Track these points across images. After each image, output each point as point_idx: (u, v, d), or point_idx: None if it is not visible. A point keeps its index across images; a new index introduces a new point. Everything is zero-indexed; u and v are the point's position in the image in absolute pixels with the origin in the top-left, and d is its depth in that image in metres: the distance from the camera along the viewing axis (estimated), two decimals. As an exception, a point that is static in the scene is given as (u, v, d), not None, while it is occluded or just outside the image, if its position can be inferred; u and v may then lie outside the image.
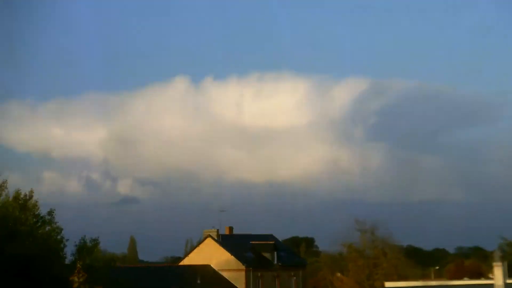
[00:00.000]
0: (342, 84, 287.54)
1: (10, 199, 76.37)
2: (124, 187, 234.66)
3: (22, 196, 78.38)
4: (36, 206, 77.97)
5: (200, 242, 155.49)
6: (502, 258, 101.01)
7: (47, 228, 78.37)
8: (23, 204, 76.69)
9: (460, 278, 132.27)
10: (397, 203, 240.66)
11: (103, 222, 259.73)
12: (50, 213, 78.51)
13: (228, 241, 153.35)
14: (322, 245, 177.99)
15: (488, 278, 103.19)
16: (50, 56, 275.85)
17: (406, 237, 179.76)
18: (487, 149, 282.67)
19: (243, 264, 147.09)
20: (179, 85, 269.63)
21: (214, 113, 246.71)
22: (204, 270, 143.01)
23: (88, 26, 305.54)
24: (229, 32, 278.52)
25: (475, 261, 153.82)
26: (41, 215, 78.20)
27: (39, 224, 77.14)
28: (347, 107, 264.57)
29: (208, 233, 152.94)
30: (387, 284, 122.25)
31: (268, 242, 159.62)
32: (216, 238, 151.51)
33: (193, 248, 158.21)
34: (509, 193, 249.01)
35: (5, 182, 76.02)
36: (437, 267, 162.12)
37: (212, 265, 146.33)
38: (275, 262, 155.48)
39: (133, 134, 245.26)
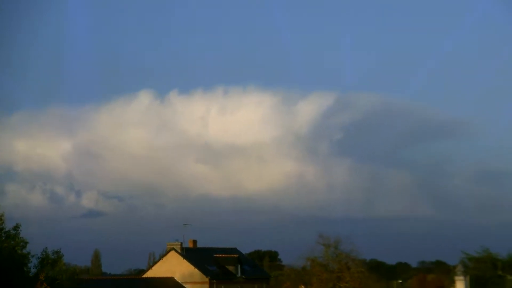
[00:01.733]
0: (308, 98, 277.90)
1: None
2: (88, 201, 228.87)
3: None
4: (1, 220, 74.35)
5: (163, 255, 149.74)
6: (464, 273, 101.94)
7: (12, 242, 74.12)
8: None
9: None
10: (361, 218, 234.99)
11: (67, 235, 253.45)
12: (16, 228, 74.84)
13: (192, 254, 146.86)
14: (286, 259, 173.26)
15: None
16: (16, 67, 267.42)
17: (370, 251, 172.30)
18: (451, 165, 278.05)
19: (206, 277, 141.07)
20: (144, 99, 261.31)
21: (179, 127, 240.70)
22: (168, 283, 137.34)
23: (52, 40, 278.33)
24: (194, 45, 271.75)
25: (437, 275, 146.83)
26: (5, 230, 74.50)
27: (3, 238, 73.83)
28: (313, 122, 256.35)
29: (172, 246, 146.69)
30: None
31: (232, 256, 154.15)
32: (179, 251, 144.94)
33: (156, 261, 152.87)
34: (470, 208, 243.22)
35: None
36: (400, 281, 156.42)
37: (175, 278, 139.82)
38: (239, 275, 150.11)
39: (97, 148, 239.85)
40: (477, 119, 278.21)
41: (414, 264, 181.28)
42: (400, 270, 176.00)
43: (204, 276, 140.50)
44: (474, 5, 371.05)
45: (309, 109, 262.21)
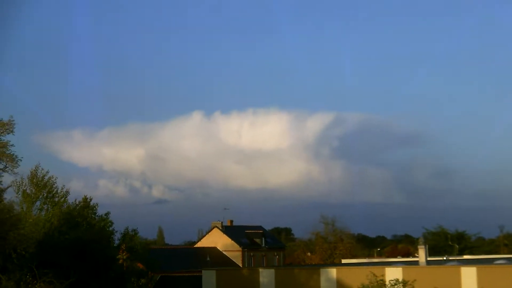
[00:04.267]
0: (314, 116, 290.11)
1: (73, 203, 75.51)
2: (156, 192, 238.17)
3: (83, 199, 77.87)
4: (96, 207, 78.04)
5: (209, 231, 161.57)
6: (424, 243, 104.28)
7: (102, 222, 78.76)
8: (85, 204, 76.36)
9: (395, 257, 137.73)
10: (351, 203, 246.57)
11: (141, 216, 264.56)
12: (106, 214, 79.64)
13: (229, 230, 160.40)
14: (297, 233, 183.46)
15: (415, 256, 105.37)
16: (102, 94, 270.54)
17: (357, 227, 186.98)
18: (416, 165, 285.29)
19: (239, 247, 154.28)
20: (196, 118, 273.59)
21: (221, 138, 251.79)
22: (212, 251, 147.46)
23: (131, 70, 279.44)
24: (230, 76, 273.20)
25: (405, 245, 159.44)
26: (98, 214, 78.19)
27: (97, 220, 77.05)
28: (317, 134, 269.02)
29: (215, 225, 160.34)
30: (343, 261, 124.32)
31: (258, 231, 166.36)
32: (220, 228, 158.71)
33: (204, 235, 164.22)
34: (429, 196, 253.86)
35: (66, 189, 74.17)
36: (378, 249, 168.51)
37: (218, 247, 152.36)
38: (263, 245, 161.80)
39: (163, 153, 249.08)
40: (431, 131, 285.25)
41: (389, 237, 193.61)
42: (378, 241, 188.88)
43: (238, 246, 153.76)
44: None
45: (314, 124, 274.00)
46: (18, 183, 67.25)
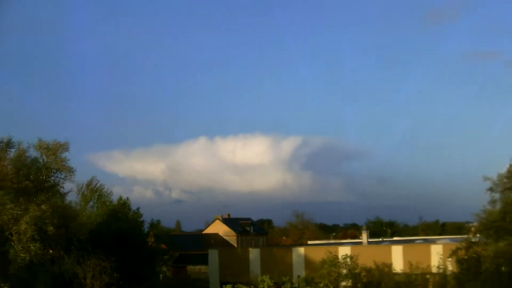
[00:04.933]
0: (287, 140, 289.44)
1: (115, 202, 73.11)
2: (175, 194, 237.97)
3: (122, 199, 74.58)
4: (130, 205, 75.12)
5: (212, 221, 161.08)
6: (366, 229, 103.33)
7: (135, 215, 75.58)
8: (122, 203, 73.79)
9: (345, 239, 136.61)
10: (316, 202, 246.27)
11: (164, 212, 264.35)
12: (137, 209, 76.23)
13: (227, 221, 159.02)
14: (276, 223, 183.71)
15: (359, 239, 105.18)
16: (133, 123, 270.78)
17: (319, 219, 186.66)
18: (362, 174, 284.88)
19: (235, 233, 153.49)
20: (201, 141, 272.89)
21: (220, 156, 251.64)
22: (215, 236, 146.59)
23: (153, 105, 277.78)
24: (227, 112, 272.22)
25: (353, 231, 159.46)
26: (132, 209, 75.36)
27: (131, 213, 74.32)
28: (290, 152, 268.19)
29: (217, 217, 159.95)
30: (309, 242, 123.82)
31: (248, 222, 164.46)
32: (221, 220, 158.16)
33: (209, 224, 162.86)
34: (371, 196, 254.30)
35: (110, 192, 72.63)
36: (334, 234, 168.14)
37: (219, 234, 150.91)
38: (252, 231, 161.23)
39: (178, 166, 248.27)
40: (371, 148, 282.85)
41: (341, 225, 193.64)
42: (334, 228, 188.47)
43: (234, 233, 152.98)
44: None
45: (288, 145, 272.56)
46: (78, 188, 67.58)
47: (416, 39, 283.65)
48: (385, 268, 62.28)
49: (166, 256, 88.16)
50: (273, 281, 27.61)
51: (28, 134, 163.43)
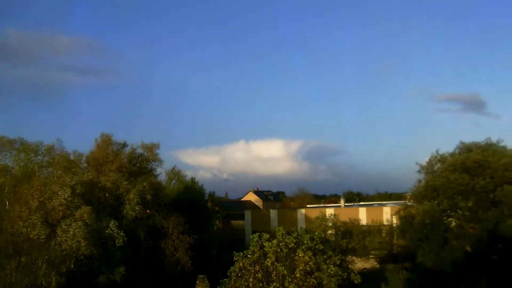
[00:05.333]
0: (294, 142, 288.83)
1: (188, 181, 71.64)
2: (225, 175, 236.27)
3: (191, 179, 72.49)
4: (196, 182, 72.79)
5: (247, 193, 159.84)
6: (343, 197, 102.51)
7: (200, 189, 72.23)
8: (192, 181, 71.68)
9: (330, 203, 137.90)
10: (312, 181, 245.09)
11: (218, 188, 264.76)
12: (202, 185, 73.35)
13: (257, 192, 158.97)
14: (287, 194, 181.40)
15: (339, 204, 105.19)
16: (198, 130, 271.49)
17: (314, 190, 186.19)
18: (340, 162, 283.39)
19: (261, 200, 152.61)
20: (241, 144, 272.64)
21: (252, 152, 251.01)
22: (249, 202, 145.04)
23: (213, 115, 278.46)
24: (257, 123, 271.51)
25: (335, 199, 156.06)
26: (198, 185, 72.47)
27: (197, 188, 71.55)
28: (295, 150, 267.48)
29: (250, 190, 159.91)
30: (308, 206, 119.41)
31: (269, 193, 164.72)
32: (253, 191, 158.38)
33: (245, 195, 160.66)
34: (346, 177, 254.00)
35: (185, 175, 71.91)
36: (323, 200, 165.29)
37: (252, 200, 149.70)
38: (272, 199, 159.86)
39: (227, 158, 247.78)
40: (344, 146, 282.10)
41: (327, 195, 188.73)
42: (323, 197, 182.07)
43: (260, 200, 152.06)
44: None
45: (294, 145, 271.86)
46: (166, 172, 68.26)
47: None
48: (355, 222, 62.97)
49: (218, 215, 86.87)
50: (285, 230, 28.33)
51: (135, 137, 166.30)
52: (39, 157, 44.06)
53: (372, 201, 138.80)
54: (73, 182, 40.59)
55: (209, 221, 70.67)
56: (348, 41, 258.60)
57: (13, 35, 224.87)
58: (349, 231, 60.69)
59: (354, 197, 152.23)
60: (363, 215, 70.36)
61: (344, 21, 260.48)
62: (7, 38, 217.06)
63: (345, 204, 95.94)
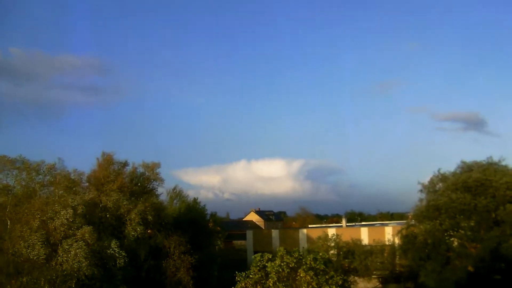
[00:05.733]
0: (295, 161, 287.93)
1: (190, 200, 72.21)
2: (226, 195, 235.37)
3: (193, 199, 72.93)
4: (198, 201, 73.23)
5: (249, 212, 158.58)
6: (345, 217, 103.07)
7: (202, 209, 72.80)
8: (194, 201, 72.20)
9: (332, 223, 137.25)
10: (313, 200, 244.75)
11: (219, 208, 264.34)
12: (204, 206, 73.92)
13: (258, 212, 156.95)
14: (289, 214, 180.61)
15: (341, 224, 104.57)
16: (199, 149, 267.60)
17: (315, 210, 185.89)
18: (340, 182, 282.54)
19: (263, 220, 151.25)
20: (242, 163, 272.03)
21: (254, 172, 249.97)
22: (251, 222, 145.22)
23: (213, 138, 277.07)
24: (259, 143, 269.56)
25: (337, 218, 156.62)
26: (200, 205, 73.00)
27: (199, 208, 71.91)
28: (297, 170, 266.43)
29: (252, 210, 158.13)
30: (310, 226, 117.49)
31: (271, 213, 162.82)
32: (254, 211, 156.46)
33: (247, 214, 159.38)
34: (346, 196, 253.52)
35: (186, 194, 72.66)
36: (325, 220, 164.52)
37: (253, 220, 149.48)
38: (273, 219, 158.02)
39: (228, 178, 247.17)
40: (344, 166, 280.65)
41: (329, 215, 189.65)
42: (325, 216, 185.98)
43: (262, 220, 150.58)
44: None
45: (296, 165, 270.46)
46: (167, 192, 68.53)
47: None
48: (357, 242, 62.60)
49: (220, 235, 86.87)
50: (285, 250, 28.17)
51: (136, 157, 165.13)
52: (41, 176, 43.89)
53: (374, 220, 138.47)
54: (75, 203, 40.32)
55: (210, 241, 70.22)
56: (348, 59, 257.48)
57: (16, 54, 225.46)
58: (351, 251, 60.38)
59: (355, 217, 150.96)
60: (365, 235, 70.09)
61: (343, 40, 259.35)
62: (10, 57, 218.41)
63: (347, 224, 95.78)
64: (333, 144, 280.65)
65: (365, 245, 64.11)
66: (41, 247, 36.42)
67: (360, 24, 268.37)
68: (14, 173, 43.26)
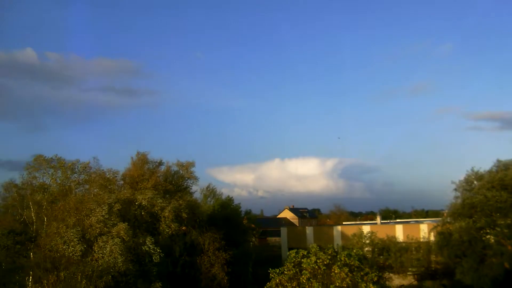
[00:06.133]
0: (329, 160, 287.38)
1: (223, 198, 72.76)
2: (260, 193, 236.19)
3: (227, 197, 73.65)
4: (232, 199, 74.00)
5: (283, 210, 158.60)
6: (379, 214, 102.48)
7: (236, 206, 73.97)
8: (228, 199, 72.82)
9: (366, 221, 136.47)
10: (348, 197, 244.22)
11: (254, 205, 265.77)
12: (239, 204, 74.88)
13: (292, 209, 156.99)
14: (323, 211, 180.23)
15: (375, 221, 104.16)
16: (234, 148, 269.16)
17: (350, 207, 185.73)
18: (375, 180, 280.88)
19: (297, 217, 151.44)
20: (277, 161, 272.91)
21: (288, 170, 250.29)
22: (285, 219, 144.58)
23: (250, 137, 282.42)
24: (292, 142, 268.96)
25: (371, 216, 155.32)
26: (234, 203, 73.83)
27: (233, 205, 72.86)
28: (331, 167, 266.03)
29: (286, 207, 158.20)
30: (344, 223, 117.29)
31: (305, 210, 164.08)
32: (288, 209, 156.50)
33: (281, 212, 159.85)
34: (380, 194, 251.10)
35: (221, 192, 73.30)
36: (359, 218, 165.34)
37: (287, 218, 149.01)
38: (308, 216, 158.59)
39: (262, 176, 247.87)
40: (379, 164, 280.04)
41: (363, 212, 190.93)
42: (359, 214, 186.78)
43: (296, 217, 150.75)
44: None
45: (330, 163, 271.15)
46: (201, 190, 69.04)
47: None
48: (392, 239, 62.36)
49: (254, 231, 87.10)
50: (318, 247, 28.02)
51: (171, 156, 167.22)
52: (75, 175, 44.46)
53: (408, 218, 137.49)
54: (110, 200, 40.58)
55: (244, 237, 70.44)
56: (381, 60, 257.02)
57: (53, 58, 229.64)
58: (386, 248, 60.07)
59: (390, 215, 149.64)
60: (399, 232, 69.33)
61: (375, 42, 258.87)
62: (47, 61, 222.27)
63: (382, 222, 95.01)
64: (367, 143, 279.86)
65: (400, 242, 63.70)
66: (77, 243, 36.96)
67: (391, 25, 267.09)
68: (50, 172, 44.21)
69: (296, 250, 29.25)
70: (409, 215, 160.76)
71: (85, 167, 44.73)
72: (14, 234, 40.36)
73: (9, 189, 44.28)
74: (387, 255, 58.92)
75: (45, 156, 43.39)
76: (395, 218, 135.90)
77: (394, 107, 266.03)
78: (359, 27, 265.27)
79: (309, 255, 28.88)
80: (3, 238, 39.41)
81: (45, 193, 42.33)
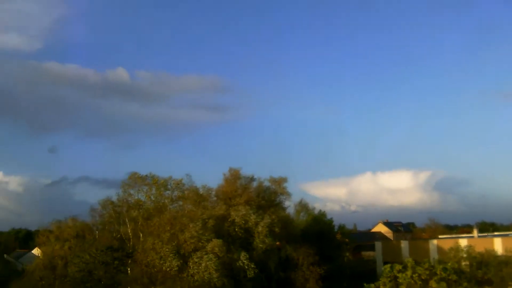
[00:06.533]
0: (422, 173, 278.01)
1: (316, 213, 71.41)
2: (353, 207, 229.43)
3: (320, 211, 72.28)
4: (325, 214, 71.99)
5: (377, 224, 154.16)
6: (476, 227, 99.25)
7: (329, 221, 72.26)
8: (320, 214, 71.44)
9: (462, 233, 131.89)
10: (442, 211, 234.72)
11: (347, 219, 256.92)
12: (331, 219, 74.06)
13: (386, 223, 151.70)
14: (418, 224, 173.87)
15: (472, 234, 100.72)
16: (320, 164, 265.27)
17: (445, 221, 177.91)
18: (470, 192, 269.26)
19: (391, 231, 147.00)
20: (368, 174, 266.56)
21: (379, 183, 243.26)
22: (379, 233, 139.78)
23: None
24: (386, 155, 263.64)
25: (467, 229, 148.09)
26: (326, 217, 72.22)
27: (326, 220, 71.30)
28: (424, 180, 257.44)
29: (380, 221, 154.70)
30: (439, 236, 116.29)
31: (399, 224, 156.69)
32: (382, 223, 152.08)
33: (374, 226, 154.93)
34: (477, 206, 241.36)
35: (313, 207, 72.50)
36: (455, 231, 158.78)
37: (381, 232, 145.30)
38: (402, 230, 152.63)
39: (353, 190, 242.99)
40: (479, 177, 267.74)
41: (459, 225, 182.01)
42: (455, 227, 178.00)
43: (390, 231, 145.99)
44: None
45: (423, 176, 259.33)
46: (294, 205, 68.93)
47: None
48: (491, 252, 60.33)
49: (348, 246, 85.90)
50: (414, 261, 27.31)
51: (263, 171, 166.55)
52: (169, 192, 45.21)
53: (507, 231, 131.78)
54: (204, 216, 41.02)
55: (338, 252, 69.56)
56: (471, 69, 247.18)
57: (143, 76, 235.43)
58: (484, 262, 57.93)
59: (487, 227, 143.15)
60: (498, 245, 66.65)
61: (455, 48, 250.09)
62: (137, 79, 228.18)
63: (479, 235, 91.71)
64: (461, 155, 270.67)
65: (500, 256, 61.28)
66: (173, 258, 37.38)
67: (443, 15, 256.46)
68: (144, 189, 45.34)
69: (391, 264, 28.48)
70: (507, 228, 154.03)
71: (178, 184, 45.46)
72: (112, 250, 41.40)
73: (106, 207, 46.09)
74: (485, 269, 56.71)
75: (139, 174, 44.37)
76: (493, 231, 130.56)
77: (485, 117, 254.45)
78: (432, 28, 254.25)
79: (405, 269, 28.09)
80: (102, 255, 40.51)
81: (141, 210, 43.36)
